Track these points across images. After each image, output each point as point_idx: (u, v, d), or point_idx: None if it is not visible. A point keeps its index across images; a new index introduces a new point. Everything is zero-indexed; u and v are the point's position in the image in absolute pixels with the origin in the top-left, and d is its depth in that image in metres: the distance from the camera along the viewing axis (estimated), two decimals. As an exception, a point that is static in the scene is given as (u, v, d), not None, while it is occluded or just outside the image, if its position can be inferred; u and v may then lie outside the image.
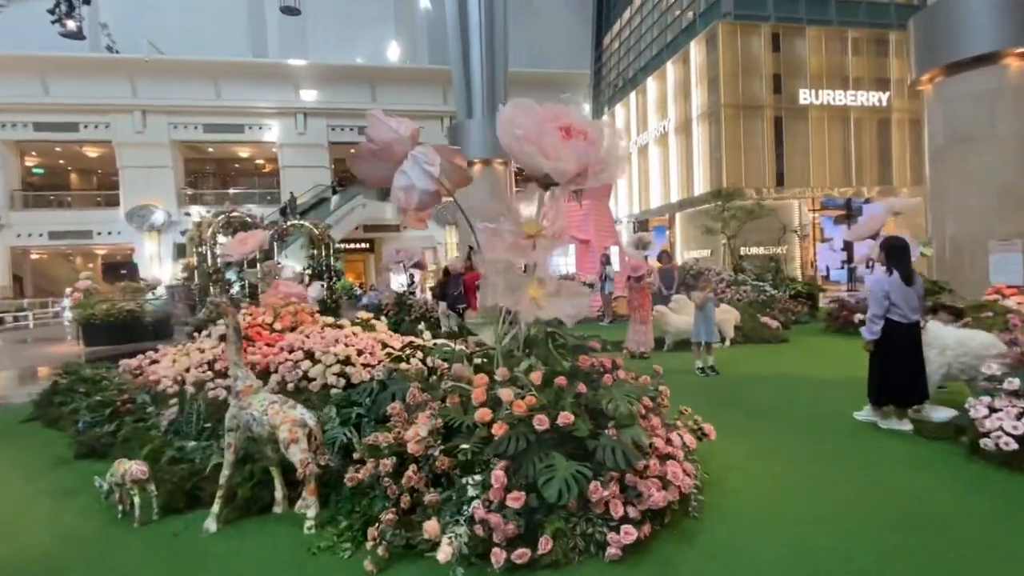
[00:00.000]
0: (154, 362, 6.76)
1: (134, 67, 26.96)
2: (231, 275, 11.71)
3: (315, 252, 14.35)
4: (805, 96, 18.95)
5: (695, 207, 20.61)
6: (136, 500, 3.33)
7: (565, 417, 2.92)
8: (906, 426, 4.54)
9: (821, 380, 6.54)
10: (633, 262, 9.28)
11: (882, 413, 4.78)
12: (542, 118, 3.06)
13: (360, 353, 4.92)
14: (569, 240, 14.09)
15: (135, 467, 3.36)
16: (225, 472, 3.28)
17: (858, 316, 9.71)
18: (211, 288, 11.50)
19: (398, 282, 13.05)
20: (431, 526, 2.69)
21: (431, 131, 30.49)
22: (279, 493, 3.46)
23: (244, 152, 32.08)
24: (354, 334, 5.40)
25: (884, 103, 19.45)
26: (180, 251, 28.97)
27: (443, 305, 9.83)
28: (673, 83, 21.56)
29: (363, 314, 9.51)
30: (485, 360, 3.78)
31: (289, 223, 13.92)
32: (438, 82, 30.39)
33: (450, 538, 2.63)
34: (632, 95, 25.26)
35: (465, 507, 2.79)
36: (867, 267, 10.31)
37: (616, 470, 2.86)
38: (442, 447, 2.98)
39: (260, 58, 29.90)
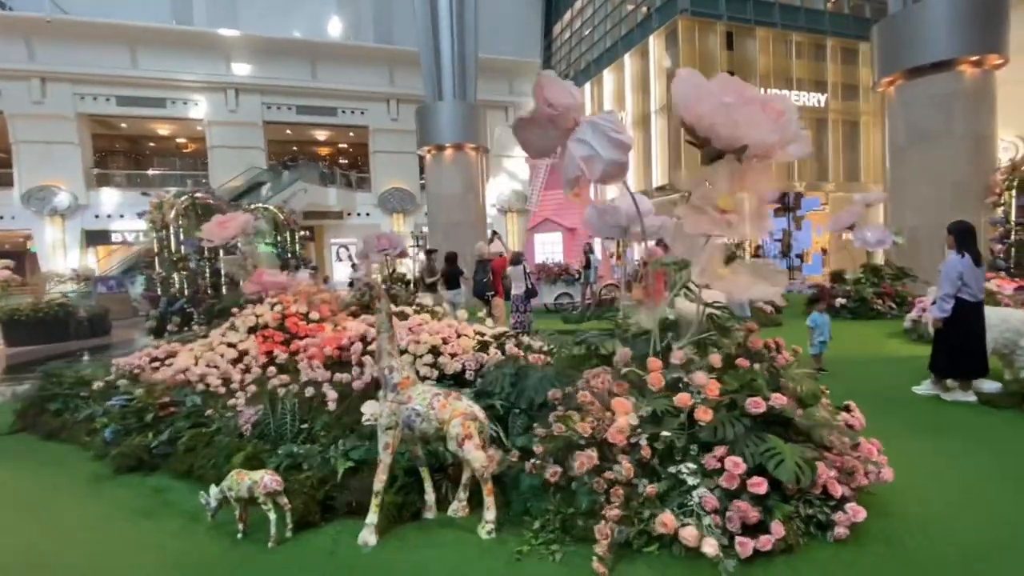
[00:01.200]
0: (154, 360, 5.94)
1: (32, 27, 23.54)
2: (196, 263, 10.49)
3: (279, 239, 13.29)
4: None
5: (653, 199, 21.23)
6: (271, 516, 2.85)
7: (778, 398, 2.82)
8: (971, 397, 4.88)
9: (845, 359, 6.88)
10: (651, 248, 9.39)
11: (943, 386, 5.11)
12: (739, 90, 2.92)
13: (445, 342, 4.54)
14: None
15: (268, 478, 2.87)
16: (382, 477, 2.87)
17: (839, 300, 10.41)
18: (175, 277, 10.25)
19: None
20: (667, 519, 2.50)
21: (377, 113, 29.21)
22: (430, 496, 3.10)
23: (164, 129, 29.10)
24: (425, 322, 4.99)
25: (821, 104, 20.98)
26: (90, 238, 25.88)
27: (450, 293, 9.41)
28: (631, 76, 22.00)
29: (425, 299, 8.90)
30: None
31: (253, 206, 12.73)
32: (384, 62, 29.11)
33: (695, 528, 2.45)
34: (588, 87, 25.51)
35: (688, 496, 2.62)
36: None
37: (826, 450, 2.81)
38: (647, 435, 2.78)
39: (185, 25, 27.09)
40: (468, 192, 16.53)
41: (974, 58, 10.49)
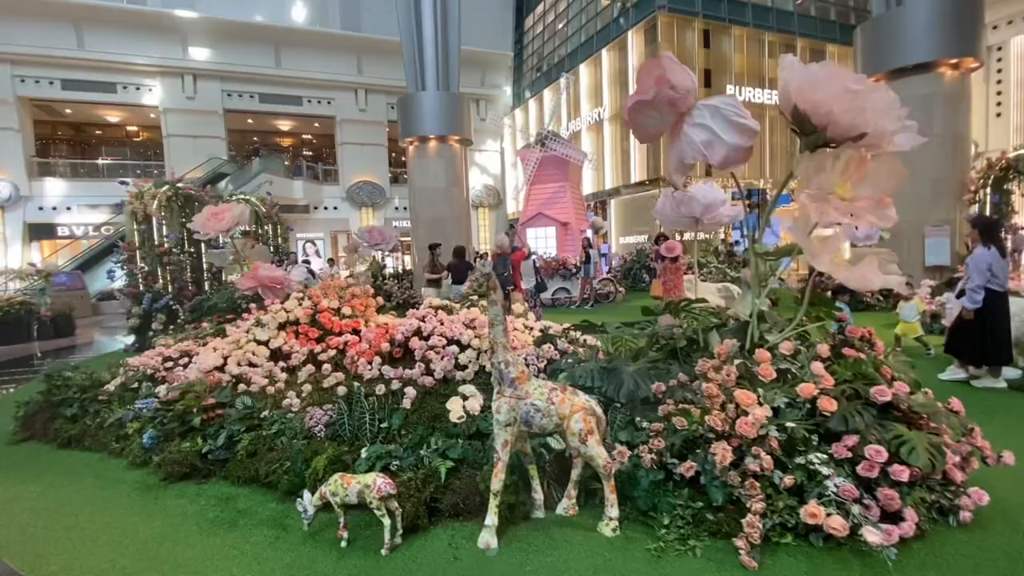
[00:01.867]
0: (167, 360, 5.55)
1: (-37, 1, 21.62)
2: (181, 256, 9.80)
3: (261, 232, 12.68)
4: (730, 92, 20.56)
5: (632, 194, 21.49)
6: (386, 522, 2.66)
7: (901, 387, 2.84)
8: (1001, 383, 5.12)
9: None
10: (669, 243, 9.47)
11: (969, 373, 5.34)
12: (857, 77, 2.91)
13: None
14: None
15: (381, 481, 2.69)
16: (500, 476, 2.73)
17: (828, 292, 10.75)
18: (159, 273, 9.55)
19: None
20: (814, 509, 2.47)
21: (344, 103, 28.32)
22: (539, 495, 2.98)
23: (113, 116, 27.31)
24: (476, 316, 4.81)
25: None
26: (34, 232, 24.05)
27: (457, 288, 9.20)
28: (608, 71, 22.13)
29: (428, 295, 8.59)
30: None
31: (234, 196, 12.06)
32: (351, 50, 28.26)
33: (840, 518, 2.43)
34: (562, 81, 25.49)
35: (822, 487, 2.60)
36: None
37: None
38: (776, 426, 2.74)
39: (138, 5, 25.40)
40: (453, 186, 16.21)
41: (953, 61, 11.02)
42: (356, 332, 5.32)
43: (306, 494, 2.84)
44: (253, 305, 6.62)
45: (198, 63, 25.67)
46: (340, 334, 5.26)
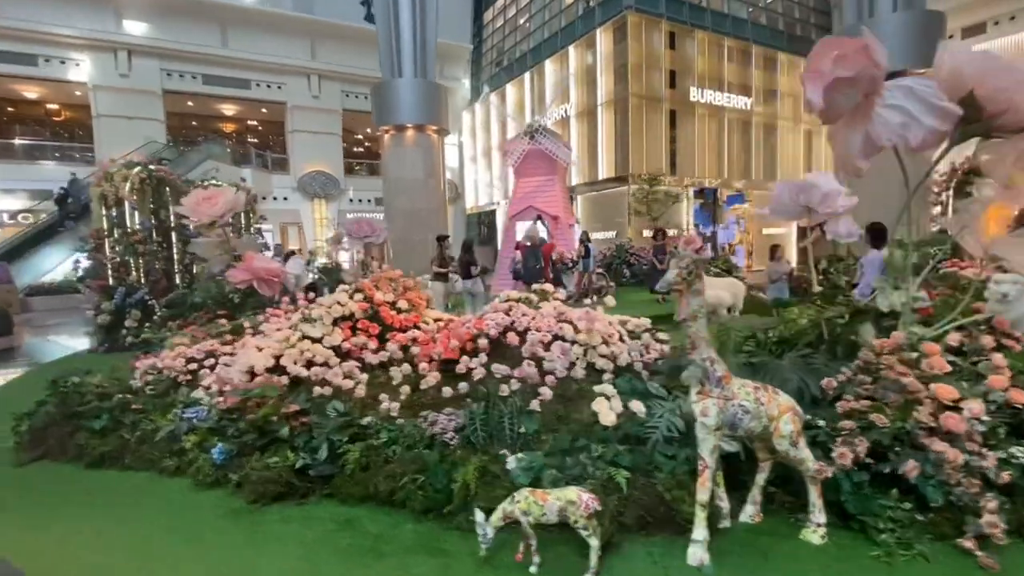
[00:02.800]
0: (191, 360, 4.87)
1: None
2: (158, 246, 8.70)
3: (232, 220, 11.62)
4: (694, 94, 21.12)
5: (599, 190, 21.64)
6: (593, 542, 2.34)
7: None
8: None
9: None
10: (688, 237, 9.51)
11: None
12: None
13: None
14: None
15: (587, 496, 2.36)
16: (708, 485, 2.47)
17: (816, 288, 11.20)
18: (132, 263, 8.42)
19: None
20: (1047, 506, 2.39)
21: (296, 89, 26.76)
22: (725, 504, 2.74)
23: (32, 92, 24.39)
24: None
25: (748, 107, 22.63)
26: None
27: (467, 283, 8.79)
28: (576, 68, 22.16)
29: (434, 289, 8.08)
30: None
31: (204, 182, 10.92)
32: (305, 33, 26.81)
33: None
34: (527, 76, 25.30)
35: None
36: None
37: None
38: (978, 420, 2.65)
39: (59, -31, 22.75)
40: (430, 177, 15.65)
41: (919, 71, 11.75)
42: (416, 327, 4.88)
43: (479, 513, 2.46)
44: (285, 299, 6.03)
45: (134, 38, 23.41)
46: (404, 330, 4.79)
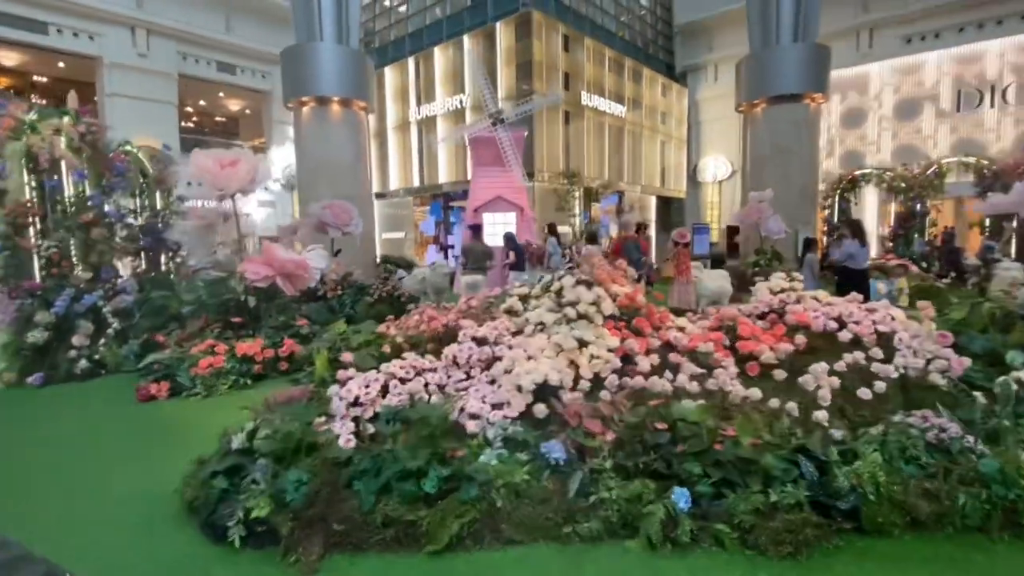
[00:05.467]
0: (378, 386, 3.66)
1: None
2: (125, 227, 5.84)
3: (146, 194, 8.76)
4: (584, 98, 22.27)
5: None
6: None
7: None
8: None
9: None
10: (679, 230, 9.94)
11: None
12: None
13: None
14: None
15: None
16: None
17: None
18: (88, 251, 5.48)
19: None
20: None
21: (115, 42, 21.13)
22: None
23: None
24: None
25: (623, 115, 24.68)
26: None
27: (514, 274, 7.99)
28: (472, 59, 21.63)
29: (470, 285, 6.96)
30: None
31: (119, 146, 7.73)
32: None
33: None
34: (411, 61, 23.86)
35: None
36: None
37: None
38: None
39: None
40: (358, 160, 13.91)
41: (815, 94, 14.22)
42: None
43: None
44: (412, 306, 4.82)
45: None
46: (657, 328, 4.17)
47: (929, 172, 12.61)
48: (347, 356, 3.93)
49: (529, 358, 3.57)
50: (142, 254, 8.24)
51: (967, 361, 3.52)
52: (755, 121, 14.88)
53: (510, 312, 4.53)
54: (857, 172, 13.92)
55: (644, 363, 3.53)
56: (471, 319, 4.61)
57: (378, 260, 14.61)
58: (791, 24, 14.04)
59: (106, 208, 6.39)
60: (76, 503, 3.22)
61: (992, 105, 21.21)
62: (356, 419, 3.39)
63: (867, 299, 6.39)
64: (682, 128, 28.88)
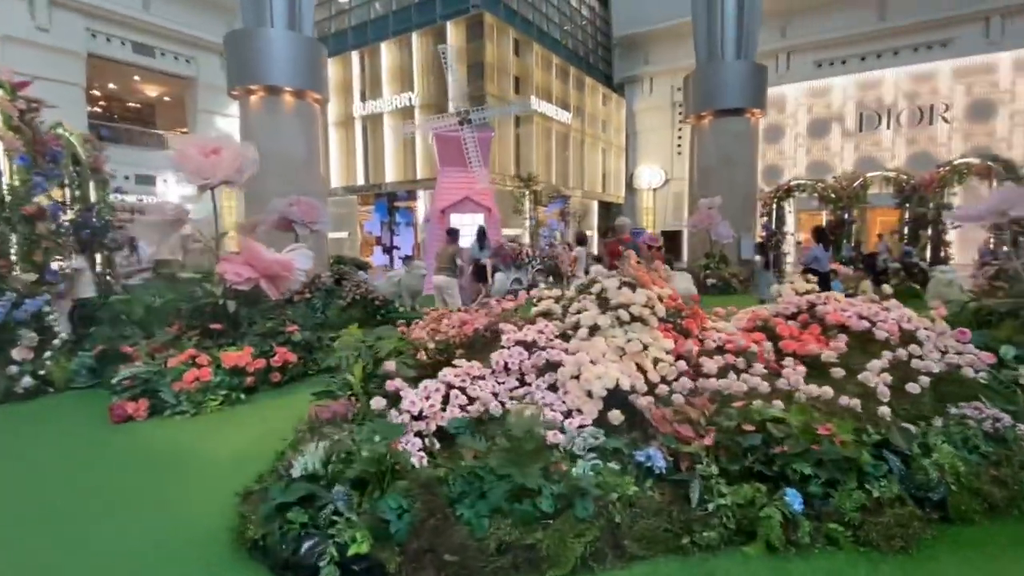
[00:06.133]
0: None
1: None
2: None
3: (76, 183, 7.71)
4: (534, 103, 22.41)
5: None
6: None
7: None
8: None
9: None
10: (649, 235, 10.22)
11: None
12: None
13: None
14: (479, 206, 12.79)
15: None
16: None
17: (710, 280, 13.41)
18: (32, 248, 4.49)
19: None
20: None
21: (10, 12, 18.57)
22: None
23: None
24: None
25: (569, 122, 25.12)
26: None
27: (499, 276, 7.78)
28: (420, 57, 21.13)
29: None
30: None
31: (53, 129, 6.58)
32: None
33: None
34: (356, 55, 22.92)
35: None
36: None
37: None
38: None
39: None
40: (312, 155, 13.16)
41: (754, 110, 15.14)
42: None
43: None
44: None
45: None
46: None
47: (855, 184, 13.80)
48: (389, 365, 3.60)
49: (591, 363, 3.44)
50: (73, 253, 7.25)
51: (991, 356, 3.80)
52: (702, 132, 15.62)
53: (545, 315, 4.38)
54: (793, 182, 14.99)
55: (711, 365, 3.51)
56: (506, 323, 4.41)
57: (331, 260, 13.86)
58: (734, 40, 14.90)
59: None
60: (83, 561, 2.61)
61: (888, 127, 23.60)
62: (419, 434, 3.11)
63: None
64: (621, 137, 29.87)
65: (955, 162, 12.65)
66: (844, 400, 3.31)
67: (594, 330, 3.81)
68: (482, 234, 11.04)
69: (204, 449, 3.97)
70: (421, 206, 22.00)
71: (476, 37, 19.94)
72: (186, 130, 25.17)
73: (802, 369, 3.50)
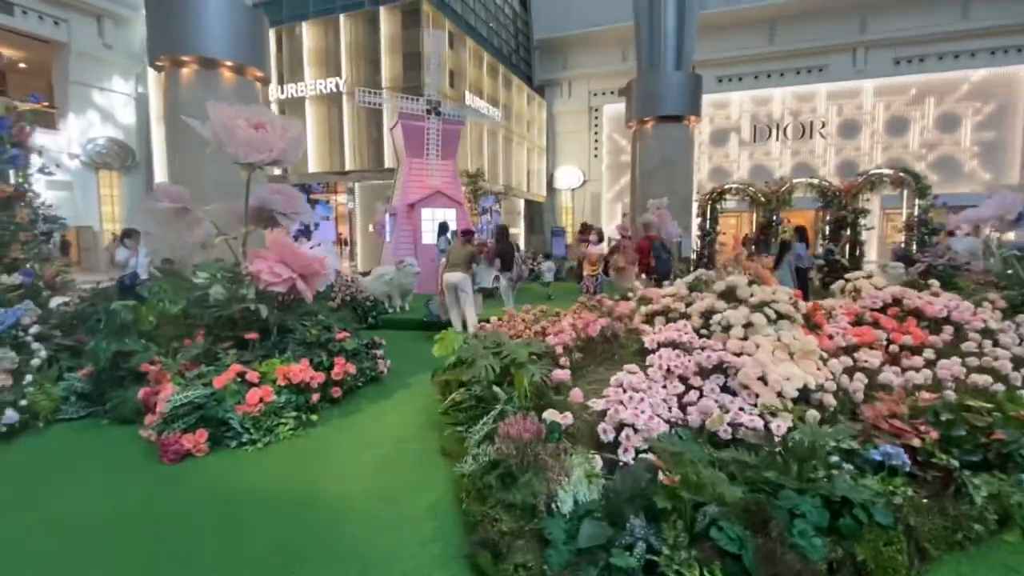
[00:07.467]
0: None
1: None
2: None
3: (11, 166, 6.09)
4: (468, 98, 21.86)
5: (383, 180, 20.00)
6: None
7: None
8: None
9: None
10: (623, 223, 10.50)
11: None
12: None
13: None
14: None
15: None
16: None
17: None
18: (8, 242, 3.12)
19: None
20: None
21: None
22: None
23: None
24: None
25: (499, 119, 24.93)
26: None
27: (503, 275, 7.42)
28: (349, 41, 19.68)
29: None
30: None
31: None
32: None
33: None
34: (272, 34, 20.77)
35: None
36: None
37: None
38: None
39: None
40: (253, 141, 11.69)
41: (690, 116, 16.06)
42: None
43: None
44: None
45: None
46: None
47: (783, 189, 15.18)
48: (562, 374, 3.20)
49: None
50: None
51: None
52: (645, 136, 16.28)
53: (662, 313, 4.23)
54: (725, 185, 16.12)
55: (873, 359, 3.58)
56: (616, 322, 4.18)
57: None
58: (674, 50, 15.72)
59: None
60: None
61: (777, 139, 26.30)
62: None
63: (806, 293, 7.70)
64: (543, 137, 30.31)
65: (870, 172, 14.40)
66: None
67: (750, 326, 3.73)
68: (444, 228, 10.57)
69: (330, 491, 3.16)
70: (357, 199, 20.65)
71: (412, 25, 19.07)
72: (48, 104, 21.33)
73: (957, 359, 3.69)
